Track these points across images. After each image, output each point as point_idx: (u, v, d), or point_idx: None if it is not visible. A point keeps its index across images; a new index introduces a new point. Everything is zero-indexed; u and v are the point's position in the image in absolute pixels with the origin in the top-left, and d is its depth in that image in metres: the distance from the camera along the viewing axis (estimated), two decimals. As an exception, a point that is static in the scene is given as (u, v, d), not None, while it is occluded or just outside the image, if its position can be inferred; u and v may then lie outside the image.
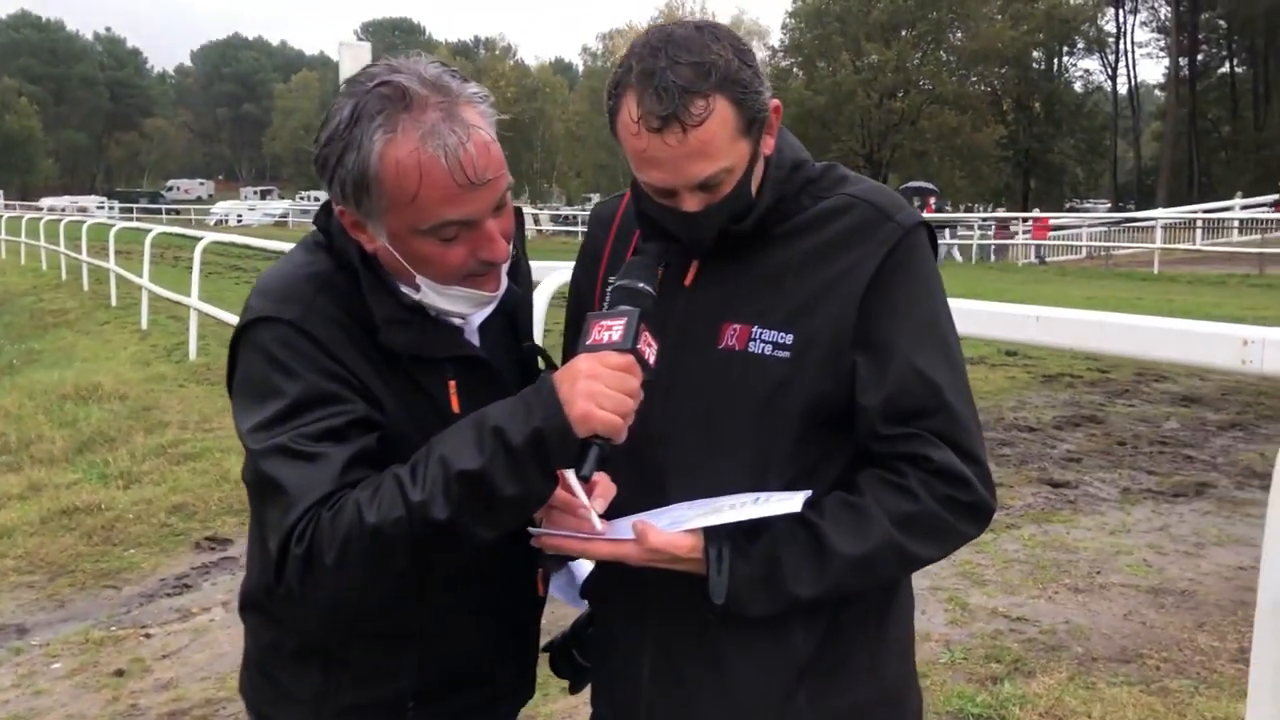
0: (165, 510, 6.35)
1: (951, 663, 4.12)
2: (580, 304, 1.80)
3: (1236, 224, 30.49)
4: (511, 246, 1.61)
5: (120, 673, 4.33)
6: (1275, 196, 29.67)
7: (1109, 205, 58.01)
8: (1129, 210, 47.05)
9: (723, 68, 1.45)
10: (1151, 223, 29.33)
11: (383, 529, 1.38)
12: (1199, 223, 30.43)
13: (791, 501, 1.45)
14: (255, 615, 1.74)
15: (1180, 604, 4.75)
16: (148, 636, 4.70)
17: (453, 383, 1.61)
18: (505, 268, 1.63)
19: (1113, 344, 3.21)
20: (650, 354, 1.47)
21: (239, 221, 60.78)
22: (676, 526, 1.49)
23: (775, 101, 1.55)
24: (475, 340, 1.68)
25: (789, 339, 1.54)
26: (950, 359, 1.55)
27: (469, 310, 1.62)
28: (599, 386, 1.39)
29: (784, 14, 58.18)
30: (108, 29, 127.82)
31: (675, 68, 1.44)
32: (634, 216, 1.67)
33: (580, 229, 41.03)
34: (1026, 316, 3.21)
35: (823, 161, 1.68)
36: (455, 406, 1.60)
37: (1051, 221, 33.46)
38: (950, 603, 4.73)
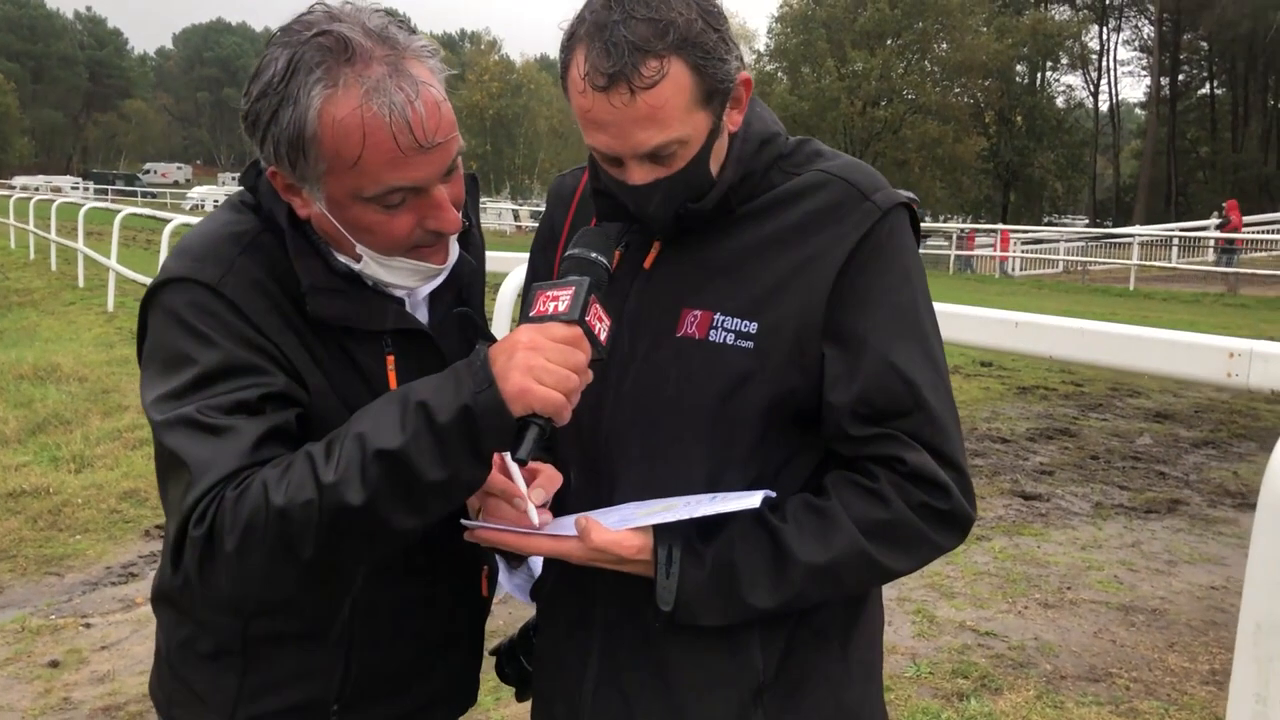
0: (116, 496, 6.15)
1: (917, 677, 4.00)
2: (536, 281, 1.68)
3: (1212, 244, 30.65)
4: (463, 214, 1.48)
5: (55, 664, 4.16)
6: (1217, 220, 29.71)
7: (1087, 221, 58.29)
8: (1106, 226, 47.31)
9: (683, 27, 1.31)
10: (1129, 239, 29.43)
11: (290, 512, 1.23)
12: (1175, 241, 30.57)
13: (749, 499, 1.32)
14: (167, 609, 1.60)
15: (1151, 623, 4.65)
16: (87, 626, 4.52)
17: (390, 357, 1.48)
18: (455, 236, 1.49)
19: (1094, 352, 3.10)
20: (601, 330, 1.32)
21: (215, 206, 60.19)
22: (625, 525, 1.35)
23: (745, 74, 1.41)
24: (423, 314, 1.54)
25: (753, 328, 1.41)
26: (929, 354, 1.42)
27: (414, 284, 1.49)
28: (539, 360, 1.25)
29: (769, 18, 58.17)
30: (88, 8, 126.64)
31: (630, 23, 1.30)
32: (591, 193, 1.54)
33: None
34: (1006, 322, 3.10)
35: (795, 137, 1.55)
36: (393, 383, 1.46)
37: (1031, 235, 33.57)
38: (918, 615, 4.62)
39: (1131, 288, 25.23)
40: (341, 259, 1.44)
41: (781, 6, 56.30)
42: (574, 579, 1.47)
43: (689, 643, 1.42)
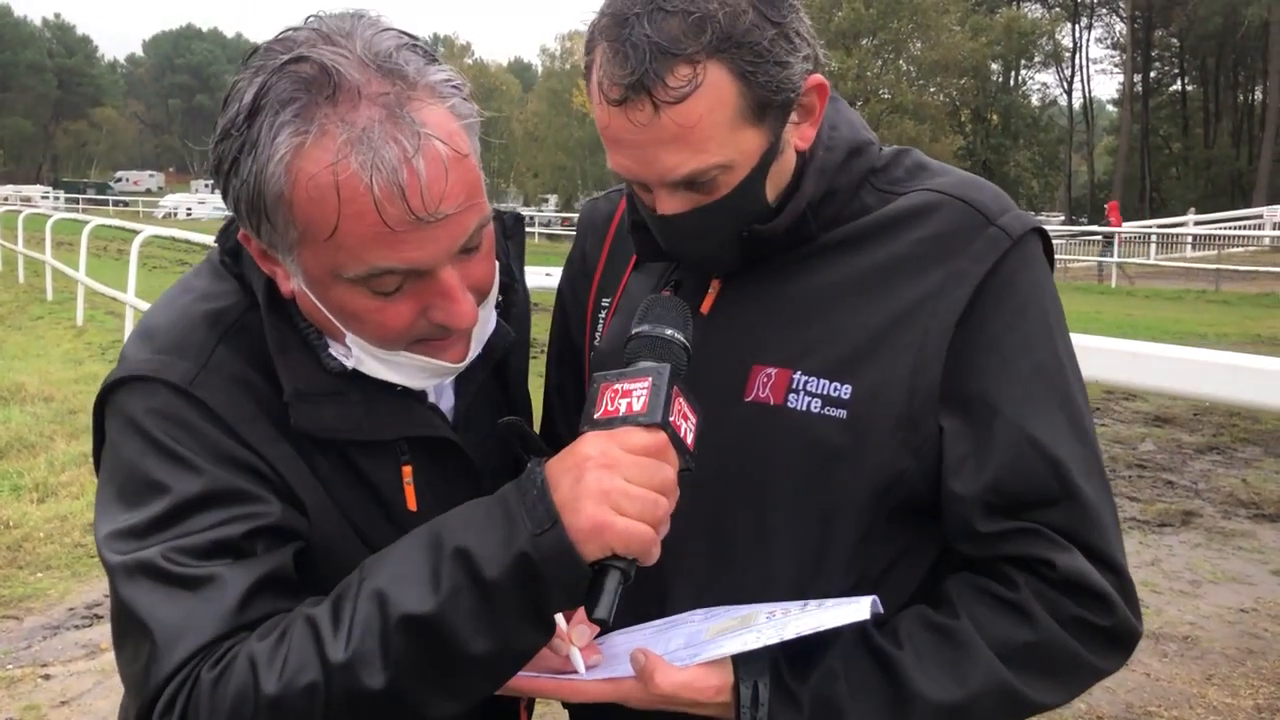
0: (81, 528, 5.80)
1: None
2: (566, 329, 1.38)
3: (1190, 240, 30.68)
4: (499, 278, 1.16)
5: (11, 723, 3.83)
6: (1108, 223, 29.77)
7: (1063, 218, 58.43)
8: (1082, 224, 47.37)
9: (725, 22, 1.02)
10: (1110, 236, 29.37)
11: (287, 701, 0.94)
12: (1153, 237, 30.57)
13: (855, 608, 1.03)
14: None
15: (1184, 652, 4.40)
16: (46, 678, 4.18)
17: (408, 468, 1.16)
18: (491, 303, 1.17)
19: (1144, 377, 2.84)
20: (688, 432, 1.02)
21: (188, 215, 59.51)
22: (694, 652, 1.06)
23: (817, 78, 1.11)
24: (448, 401, 1.22)
25: (846, 392, 1.12)
26: (1078, 424, 1.13)
27: (421, 384, 1.16)
28: (617, 481, 0.95)
29: (745, 19, 57.92)
30: (57, 15, 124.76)
31: (655, 16, 1.01)
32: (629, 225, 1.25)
33: (538, 231, 40.47)
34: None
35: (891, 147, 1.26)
36: (412, 504, 1.15)
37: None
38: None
39: (1113, 285, 25.14)
40: (334, 350, 1.13)
41: (756, 7, 56.26)
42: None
43: None
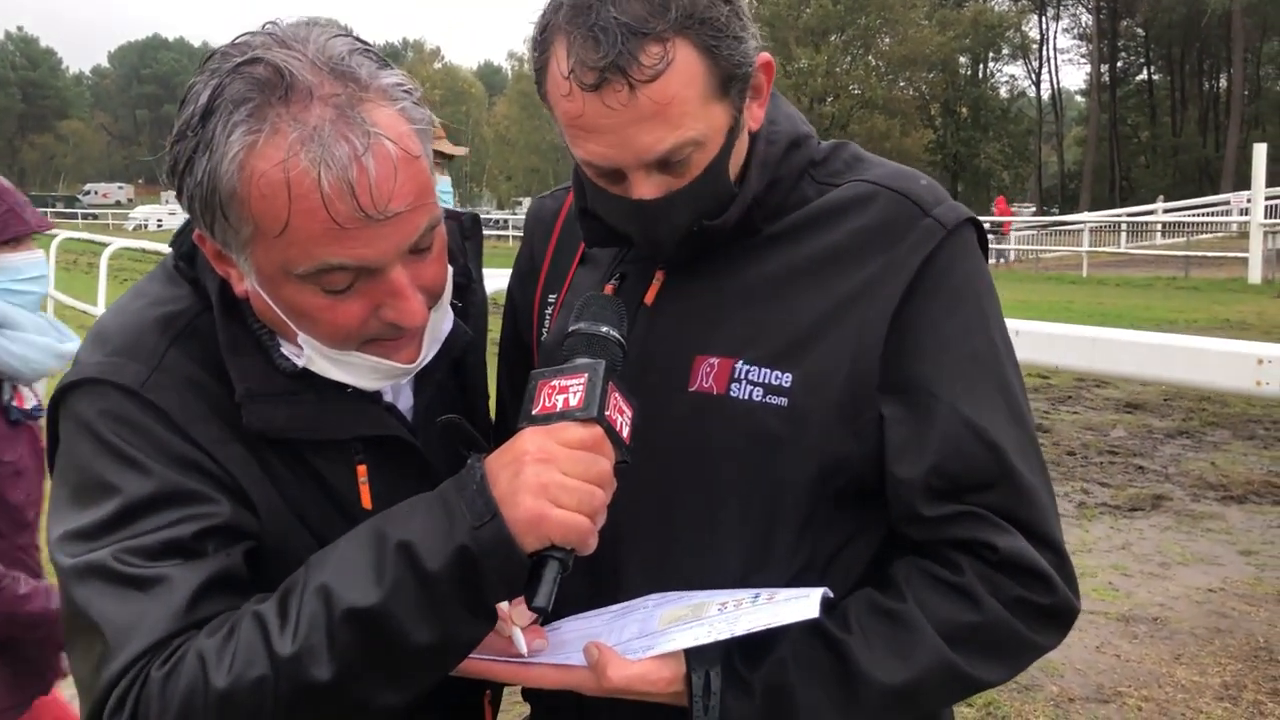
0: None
1: (919, 707, 3.79)
2: (515, 327, 1.40)
3: (1160, 227, 30.95)
4: (452, 280, 1.19)
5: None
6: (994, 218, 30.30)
7: (1034, 209, 58.83)
8: (1054, 214, 47.78)
9: (686, 1, 1.05)
10: (1080, 226, 29.61)
11: (236, 695, 0.96)
12: (1123, 226, 30.81)
13: (806, 604, 1.05)
14: None
15: (1153, 633, 4.47)
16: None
17: (362, 467, 1.17)
18: (446, 302, 1.19)
19: (1106, 362, 2.89)
20: (623, 425, 1.05)
21: (159, 226, 59.05)
22: (647, 644, 1.09)
23: (765, 56, 1.15)
24: (406, 400, 1.25)
25: (787, 380, 1.14)
26: (1014, 409, 1.17)
27: (374, 384, 1.17)
28: (554, 475, 0.98)
29: (714, 18, 57.97)
30: (19, 28, 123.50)
31: (620, 0, 1.04)
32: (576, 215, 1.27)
33: (512, 233, 40.39)
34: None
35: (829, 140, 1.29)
36: (366, 501, 1.17)
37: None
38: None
39: (1084, 274, 25.33)
40: (286, 350, 1.14)
41: (725, 6, 56.36)
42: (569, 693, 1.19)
43: None
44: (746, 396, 1.15)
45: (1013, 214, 30.85)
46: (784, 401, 1.14)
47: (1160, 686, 3.95)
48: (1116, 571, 5.21)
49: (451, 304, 1.23)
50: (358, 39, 1.10)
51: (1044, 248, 30.99)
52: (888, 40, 55.00)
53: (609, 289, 1.24)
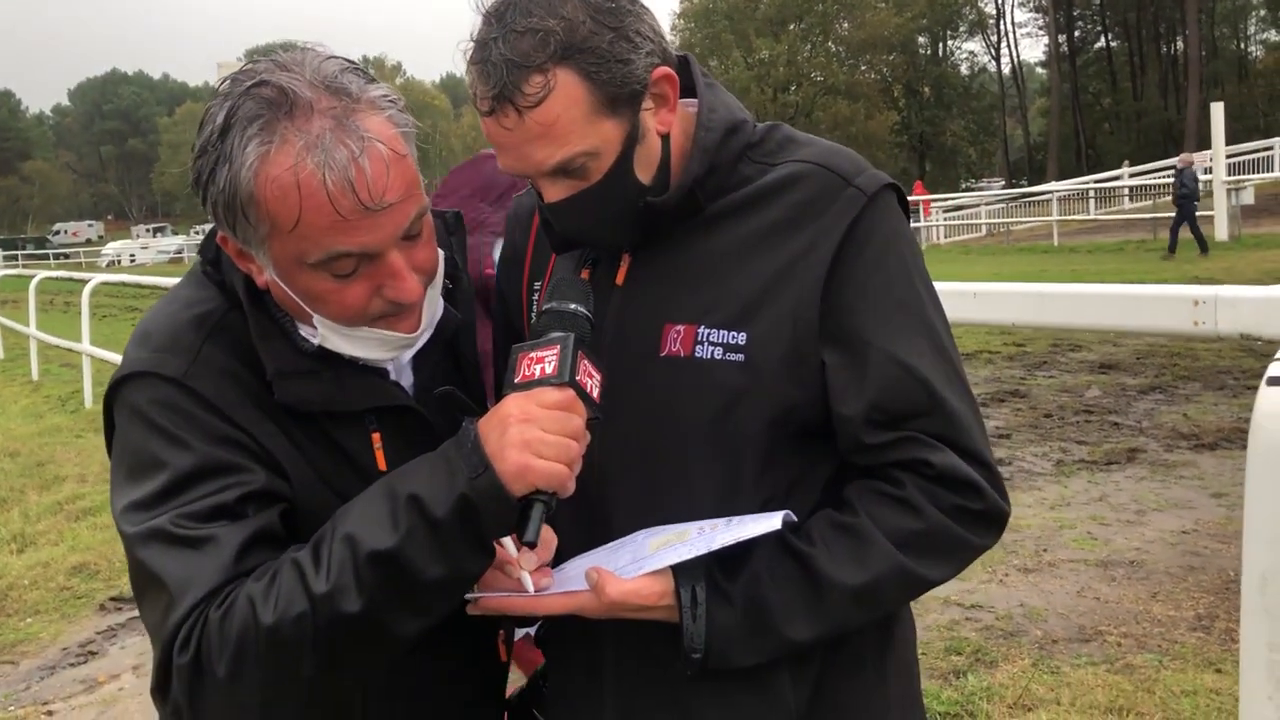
0: (65, 572, 5.90)
1: (911, 659, 3.96)
2: (505, 313, 1.56)
3: (1127, 191, 31.34)
4: (443, 266, 1.36)
5: (21, 758, 3.96)
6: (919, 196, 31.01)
7: (1003, 183, 59.28)
8: (1022, 186, 48.19)
9: (564, 34, 1.20)
10: (1048, 196, 29.94)
11: (282, 629, 1.13)
12: (1091, 193, 31.17)
13: (769, 521, 1.22)
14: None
15: (1131, 575, 4.66)
16: (50, 714, 4.30)
17: (376, 435, 1.35)
18: (439, 288, 1.37)
19: (1059, 315, 3.07)
20: (593, 387, 1.22)
21: (132, 261, 58.90)
22: (638, 566, 1.25)
23: (664, 69, 1.30)
24: (408, 378, 1.41)
25: (741, 339, 1.30)
26: (938, 345, 1.33)
27: (382, 355, 1.35)
28: (535, 432, 1.15)
29: (671, 15, 58.27)
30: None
31: (508, 38, 1.20)
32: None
33: (486, 243, 40.42)
34: (965, 293, 3.05)
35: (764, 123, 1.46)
36: (382, 464, 1.33)
37: (951, 202, 34.24)
38: (901, 595, 4.58)
39: (1056, 243, 25.66)
40: (305, 332, 1.32)
41: (683, 2, 56.48)
42: (578, 622, 1.35)
43: (713, 682, 1.32)
44: (709, 356, 1.31)
45: (928, 194, 32.15)
46: (741, 357, 1.30)
47: (1138, 623, 4.14)
48: (1095, 521, 5.41)
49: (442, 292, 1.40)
50: (345, 59, 1.27)
51: (1014, 220, 31.33)
52: (846, 25, 55.40)
53: (585, 274, 1.40)
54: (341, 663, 1.16)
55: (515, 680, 1.64)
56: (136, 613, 5.27)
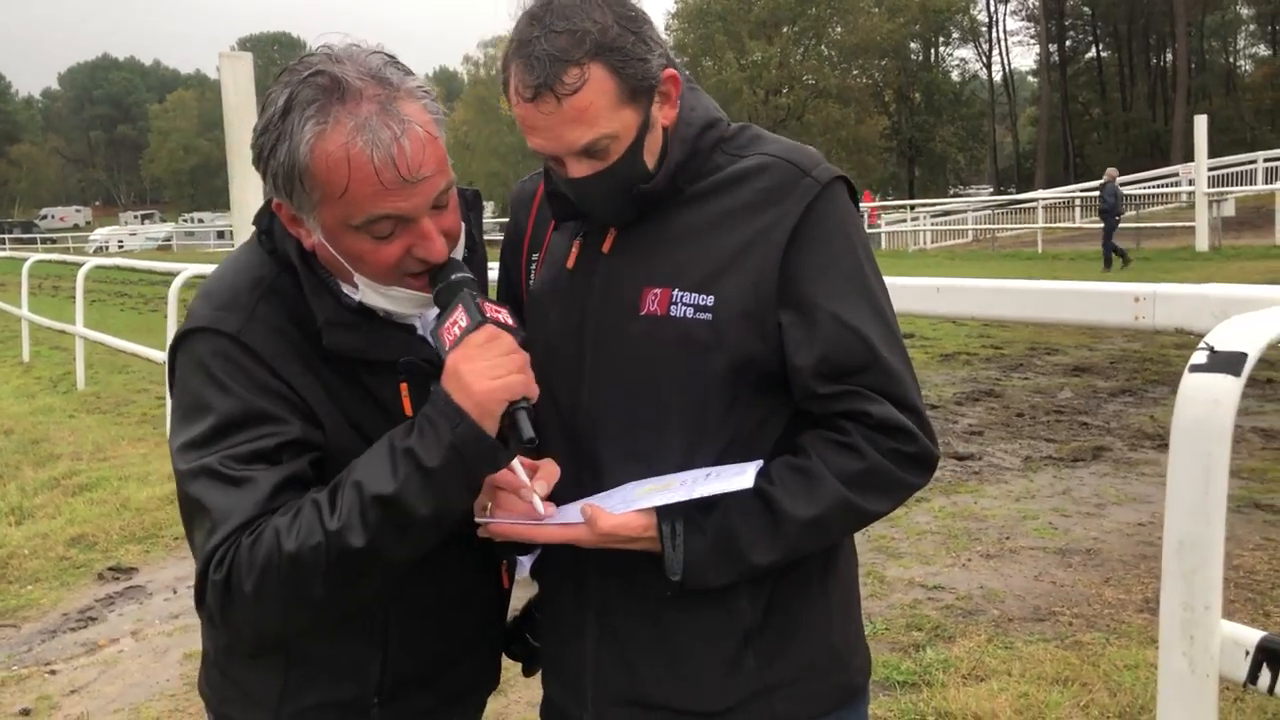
0: (63, 543, 6.09)
1: (874, 634, 4.19)
2: (509, 283, 1.79)
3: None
4: (464, 237, 1.59)
5: (26, 712, 4.14)
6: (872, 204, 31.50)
7: (991, 190, 59.69)
8: (1010, 194, 48.57)
9: (598, 34, 1.43)
10: (1034, 203, 30.26)
11: (300, 556, 1.34)
12: (1077, 201, 31.52)
13: (743, 476, 1.44)
14: None
15: (1086, 562, 4.90)
16: (53, 673, 4.50)
17: (404, 385, 1.57)
18: (459, 252, 1.59)
19: (1014, 309, 3.30)
20: (504, 316, 1.46)
21: (120, 247, 58.82)
22: (627, 506, 1.47)
23: (670, 70, 1.53)
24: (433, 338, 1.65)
25: (709, 300, 1.52)
26: (878, 310, 1.55)
27: (411, 311, 1.57)
28: (481, 364, 1.38)
29: (666, 15, 58.48)
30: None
31: (549, 37, 1.42)
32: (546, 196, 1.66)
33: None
34: (928, 288, 3.28)
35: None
36: (408, 409, 1.55)
37: (939, 207, 34.55)
38: (868, 576, 4.81)
39: (1040, 251, 25.97)
40: (346, 290, 1.53)
41: (677, 2, 56.69)
42: (569, 554, 1.57)
43: (683, 600, 1.54)
44: (682, 315, 1.54)
45: (875, 201, 33.24)
46: (709, 316, 1.53)
47: (1090, 605, 4.38)
48: (1056, 513, 5.65)
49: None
50: (388, 55, 1.51)
51: (1001, 226, 31.68)
52: (839, 29, 55.63)
53: (576, 244, 1.62)
54: (346, 586, 1.38)
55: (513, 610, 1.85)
56: (134, 582, 5.49)
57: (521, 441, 1.39)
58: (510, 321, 1.45)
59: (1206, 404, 2.26)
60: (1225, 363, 2.46)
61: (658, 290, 1.55)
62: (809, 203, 1.54)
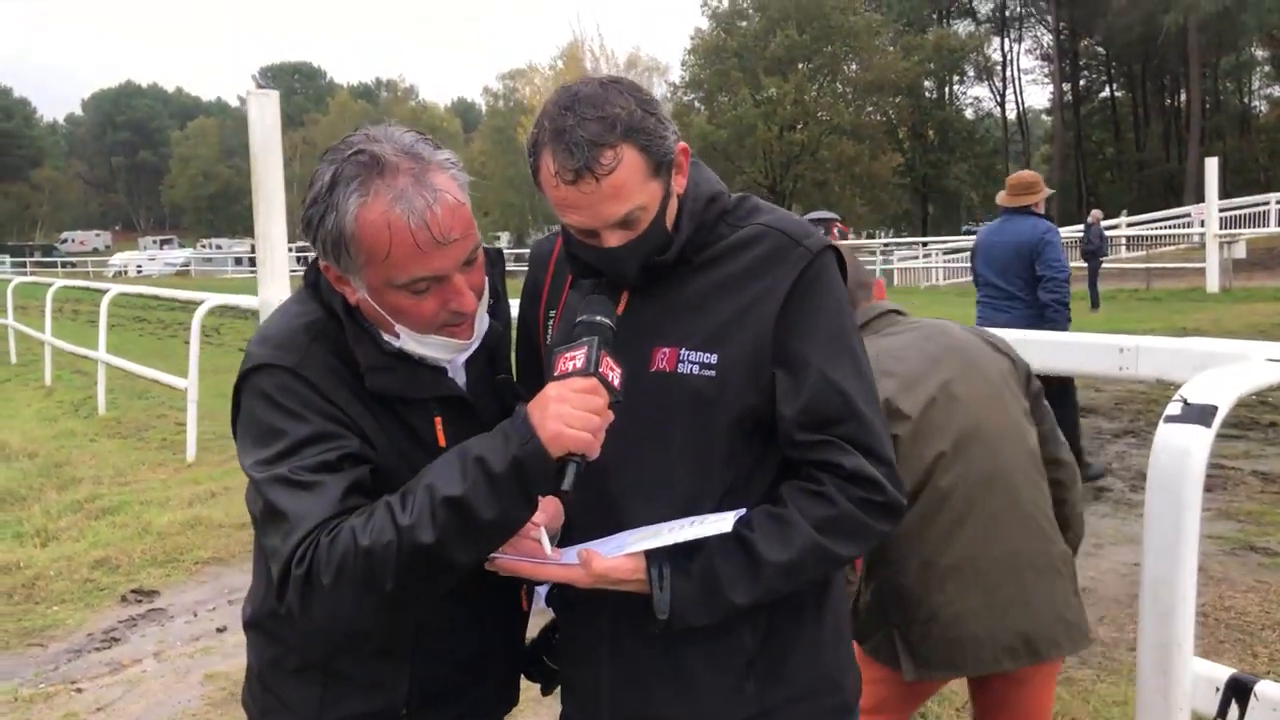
0: (87, 565, 6.27)
1: (873, 667, 4.31)
2: (527, 334, 1.96)
3: (1124, 241, 31.80)
4: (488, 290, 1.78)
5: (54, 728, 4.31)
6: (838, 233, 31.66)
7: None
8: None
9: (626, 119, 1.61)
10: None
11: (374, 551, 1.50)
12: (1075, 242, 31.57)
13: (723, 522, 1.59)
14: (258, 634, 1.87)
15: (1082, 600, 5.01)
16: (79, 691, 4.66)
17: (438, 419, 1.75)
18: (484, 308, 1.78)
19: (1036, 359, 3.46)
20: (614, 377, 1.59)
21: (139, 272, 59.28)
22: (619, 551, 1.63)
23: (682, 144, 1.72)
24: (461, 377, 1.82)
25: (713, 359, 1.69)
26: (859, 369, 1.72)
27: (446, 356, 1.76)
28: (566, 409, 1.53)
29: (683, 51, 58.97)
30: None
31: (583, 124, 1.60)
32: (565, 257, 1.83)
33: (491, 267, 40.76)
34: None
35: (735, 193, 1.86)
36: (441, 440, 1.74)
37: (951, 245, 34.70)
38: (869, 612, 4.93)
39: (1050, 289, 25.99)
40: (386, 338, 1.72)
41: (693, 39, 57.24)
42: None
43: (689, 631, 1.67)
44: (688, 371, 1.71)
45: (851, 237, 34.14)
46: (712, 373, 1.70)
47: (1083, 643, 4.50)
48: (1055, 553, 5.77)
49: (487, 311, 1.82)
50: (418, 132, 1.70)
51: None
52: (854, 67, 55.96)
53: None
54: (413, 580, 1.54)
55: (531, 634, 2.01)
56: (155, 605, 5.66)
57: (559, 490, 1.54)
58: (616, 384, 1.59)
59: (1179, 453, 2.43)
60: (1198, 414, 2.63)
61: (666, 349, 1.72)
62: (801, 270, 1.71)
